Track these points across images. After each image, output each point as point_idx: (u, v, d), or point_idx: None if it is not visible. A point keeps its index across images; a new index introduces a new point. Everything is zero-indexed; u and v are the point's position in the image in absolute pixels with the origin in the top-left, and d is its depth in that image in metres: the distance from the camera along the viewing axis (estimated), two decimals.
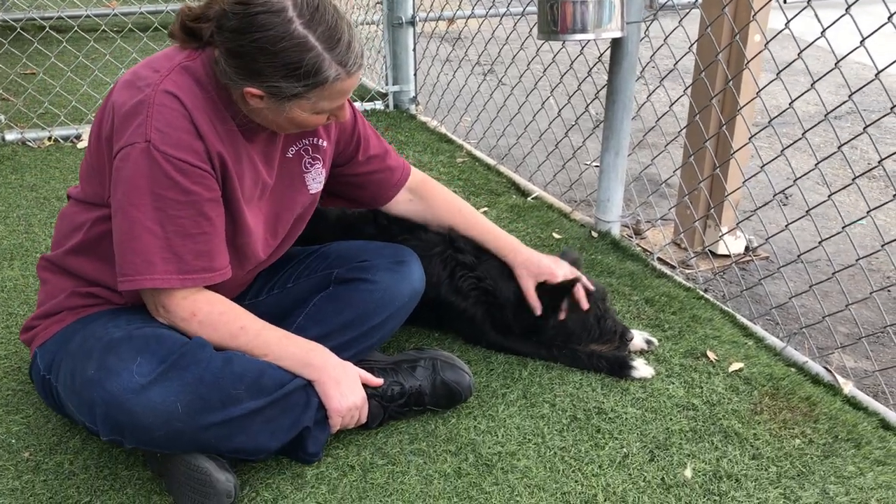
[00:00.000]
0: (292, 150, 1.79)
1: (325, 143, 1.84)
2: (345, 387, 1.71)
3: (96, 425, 1.51)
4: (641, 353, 2.17)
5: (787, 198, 3.58)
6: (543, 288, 2.05)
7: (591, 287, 2.09)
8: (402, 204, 2.08)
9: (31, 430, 1.85)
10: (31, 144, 3.61)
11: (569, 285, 2.03)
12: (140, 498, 1.66)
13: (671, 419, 1.92)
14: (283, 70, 1.48)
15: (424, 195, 2.09)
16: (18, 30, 4.00)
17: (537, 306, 2.06)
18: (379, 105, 4.22)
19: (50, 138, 3.64)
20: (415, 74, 4.19)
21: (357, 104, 4.16)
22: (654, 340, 2.19)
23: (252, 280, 1.95)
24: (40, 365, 1.70)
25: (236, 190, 1.62)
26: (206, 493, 1.57)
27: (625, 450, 1.82)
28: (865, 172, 2.25)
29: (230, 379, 1.56)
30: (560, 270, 2.06)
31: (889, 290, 2.83)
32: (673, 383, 2.05)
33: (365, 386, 1.77)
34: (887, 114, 2.07)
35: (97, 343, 1.55)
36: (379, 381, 1.81)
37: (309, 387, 1.69)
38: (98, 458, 1.76)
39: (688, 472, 1.76)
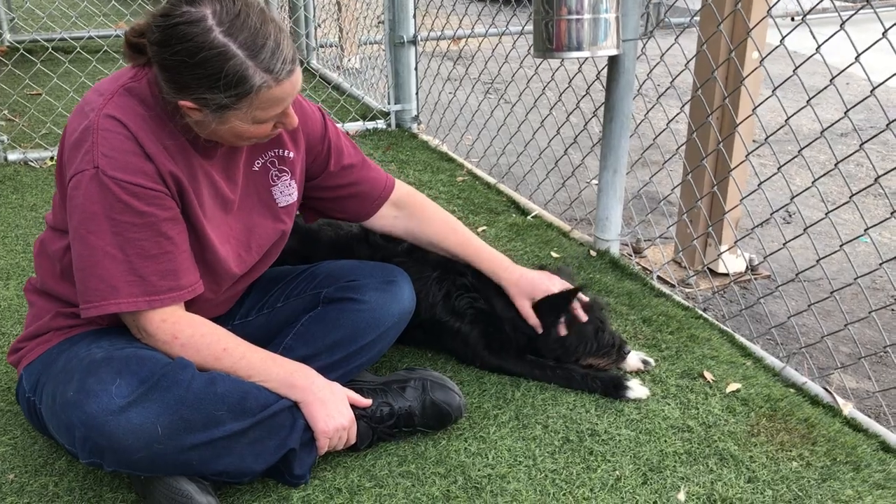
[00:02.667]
0: (258, 163, 1.76)
1: (291, 154, 1.80)
2: (331, 407, 1.68)
3: (76, 447, 1.49)
4: (637, 373, 2.13)
5: (790, 215, 3.54)
6: (541, 303, 2.03)
7: (587, 299, 2.06)
8: (387, 219, 2.01)
9: (17, 451, 1.83)
10: (33, 164, 3.63)
11: (568, 296, 2.01)
12: None
13: (665, 441, 1.88)
14: (206, 81, 1.44)
15: (412, 211, 2.02)
16: (21, 51, 4.03)
17: (537, 325, 2.03)
18: (381, 124, 4.22)
19: (52, 158, 3.66)
20: (416, 93, 4.19)
21: (359, 123, 4.18)
22: (651, 361, 2.16)
23: (240, 298, 1.93)
24: (26, 386, 1.69)
25: (195, 207, 1.61)
26: None
27: (617, 472, 1.78)
28: (862, 190, 2.22)
29: (212, 400, 1.54)
30: (555, 286, 2.03)
31: (893, 309, 2.79)
32: (668, 404, 2.01)
33: (353, 407, 1.74)
34: (883, 130, 2.04)
35: (79, 364, 1.54)
36: (367, 402, 1.78)
37: (295, 408, 1.66)
38: (83, 480, 1.74)
39: (681, 496, 1.72)
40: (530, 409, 1.98)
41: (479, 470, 1.78)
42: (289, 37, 1.50)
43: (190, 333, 1.62)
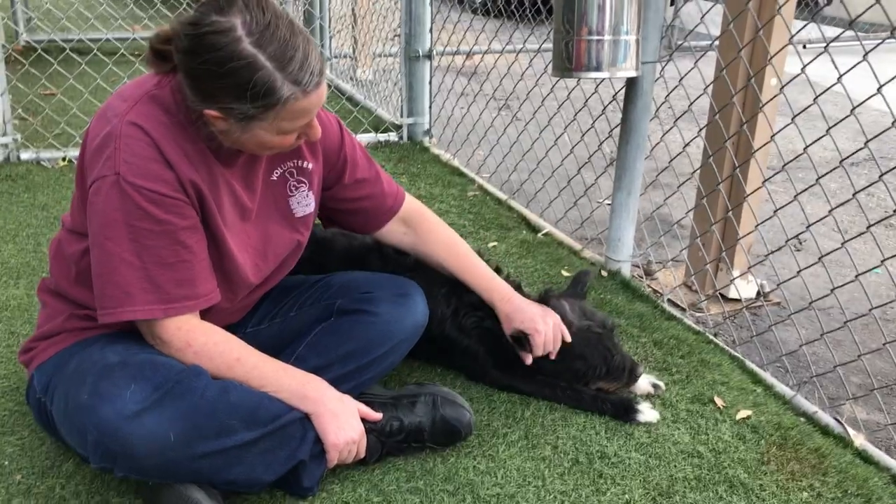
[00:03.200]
0: (277, 173, 1.76)
1: (310, 165, 1.80)
2: (342, 420, 1.68)
3: (87, 451, 1.48)
4: (647, 396, 2.12)
5: (801, 243, 3.54)
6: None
7: (568, 338, 2.02)
8: (395, 235, 2.01)
9: (24, 452, 1.82)
10: (45, 164, 3.63)
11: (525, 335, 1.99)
12: None
13: (675, 466, 1.87)
14: (233, 91, 1.44)
15: (419, 229, 2.02)
16: (39, 51, 4.05)
17: (527, 357, 2.02)
18: (393, 136, 4.23)
19: (64, 159, 3.66)
20: (430, 107, 4.21)
21: (371, 135, 4.19)
22: (661, 385, 2.15)
23: (254, 306, 1.93)
24: (37, 387, 1.68)
25: (215, 216, 1.60)
26: None
27: (627, 496, 1.77)
28: (880, 221, 2.22)
29: (225, 409, 1.53)
30: (543, 327, 1.98)
31: None
32: (679, 429, 2.00)
33: (364, 420, 1.73)
34: None
35: (92, 367, 1.53)
36: (378, 416, 1.77)
37: (306, 420, 1.65)
38: (90, 483, 1.73)
39: None
40: (540, 429, 1.97)
41: (487, 489, 1.77)
42: (317, 49, 1.50)
43: (203, 342, 1.61)
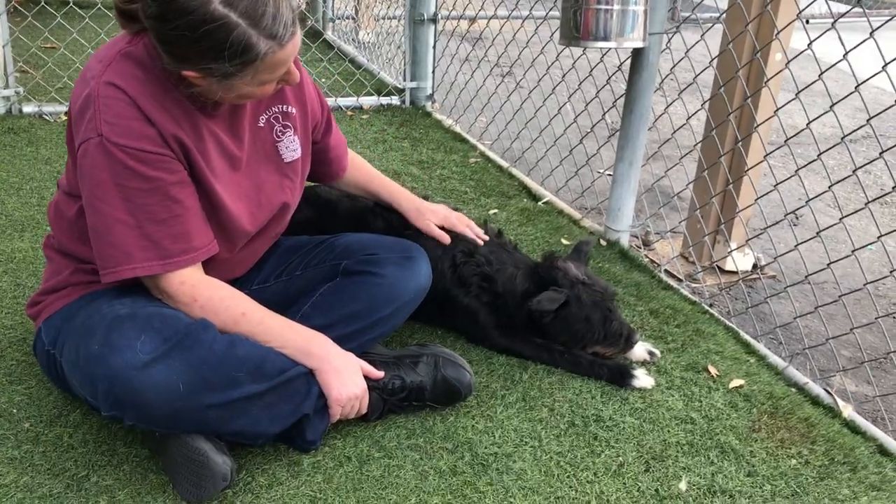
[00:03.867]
0: (263, 119, 1.77)
1: (293, 110, 1.81)
2: (346, 377, 1.71)
3: (97, 400, 1.52)
4: (643, 363, 2.17)
5: (797, 218, 3.57)
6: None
7: (481, 239, 2.18)
8: None
9: (32, 401, 1.86)
10: (47, 118, 3.63)
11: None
12: (136, 475, 1.67)
13: (669, 431, 1.92)
14: (210, 53, 1.43)
15: None
16: (42, 3, 4.02)
17: (444, 237, 2.15)
18: (395, 100, 4.23)
19: (66, 114, 3.65)
20: (433, 72, 4.20)
21: (374, 98, 4.18)
22: (657, 352, 2.20)
23: (259, 264, 1.95)
24: (45, 339, 1.71)
25: (203, 168, 1.62)
26: (202, 474, 1.57)
27: (620, 459, 1.82)
28: (879, 197, 2.25)
29: (232, 362, 1.57)
30: (454, 217, 2.19)
31: (895, 317, 2.83)
32: (672, 396, 2.05)
33: (366, 378, 1.77)
34: None
35: (102, 320, 1.56)
36: (380, 374, 1.81)
37: (310, 375, 1.69)
38: (97, 433, 1.77)
39: (682, 485, 1.76)
40: (537, 392, 2.02)
41: (485, 448, 1.82)
42: None
43: (209, 296, 1.64)
